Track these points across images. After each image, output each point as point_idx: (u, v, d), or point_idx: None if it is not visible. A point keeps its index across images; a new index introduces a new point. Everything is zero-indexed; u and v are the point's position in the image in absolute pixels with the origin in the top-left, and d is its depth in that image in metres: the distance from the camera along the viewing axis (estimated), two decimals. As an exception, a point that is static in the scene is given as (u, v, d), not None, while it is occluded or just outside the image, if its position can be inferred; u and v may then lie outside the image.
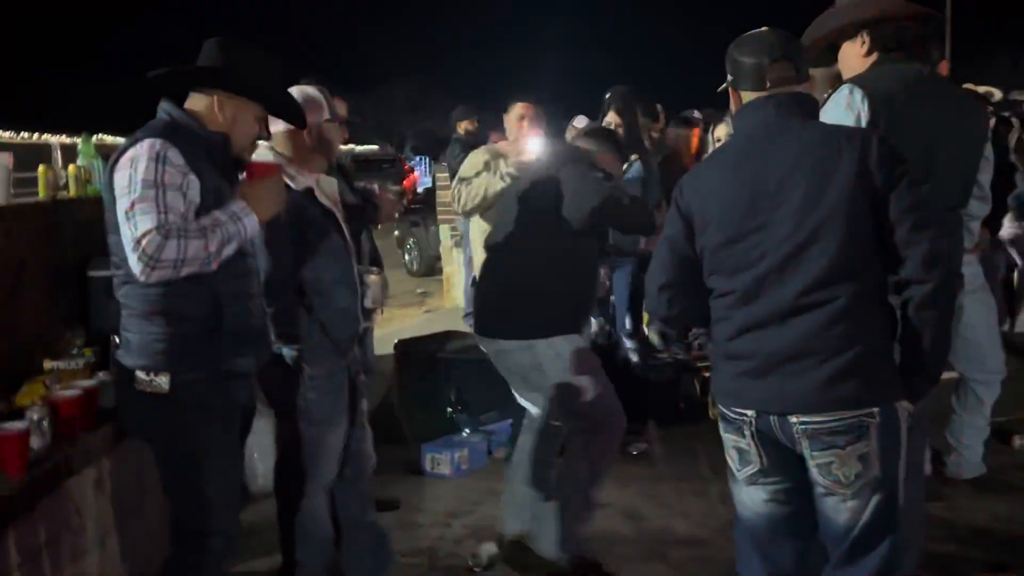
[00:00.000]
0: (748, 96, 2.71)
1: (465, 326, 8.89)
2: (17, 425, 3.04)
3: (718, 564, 4.07)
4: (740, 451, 2.69)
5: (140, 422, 3.09)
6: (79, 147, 4.87)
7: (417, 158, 33.15)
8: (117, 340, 3.86)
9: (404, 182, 19.79)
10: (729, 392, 2.69)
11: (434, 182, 11.74)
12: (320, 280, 3.51)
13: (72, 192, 4.66)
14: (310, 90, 3.69)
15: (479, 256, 5.26)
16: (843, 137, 2.58)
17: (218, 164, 3.04)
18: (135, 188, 2.82)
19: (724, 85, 2.80)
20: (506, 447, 5.40)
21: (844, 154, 2.52)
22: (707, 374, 6.47)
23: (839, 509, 2.59)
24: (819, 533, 2.68)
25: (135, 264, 2.79)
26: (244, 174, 3.13)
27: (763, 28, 2.77)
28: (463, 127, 9.09)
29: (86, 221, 4.69)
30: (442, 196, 9.94)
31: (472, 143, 9.17)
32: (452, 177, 9.29)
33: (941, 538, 4.01)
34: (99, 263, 4.54)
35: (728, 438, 2.72)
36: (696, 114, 7.13)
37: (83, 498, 3.40)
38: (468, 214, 5.41)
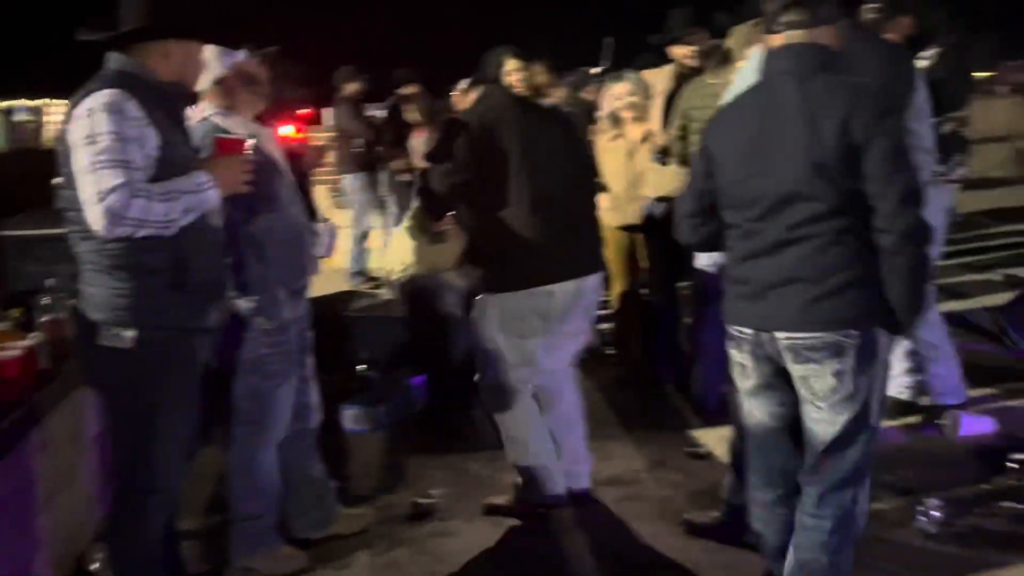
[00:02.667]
0: (774, 40, 2.92)
1: (351, 285, 8.90)
2: (-26, 385, 2.95)
3: (650, 500, 4.29)
4: (742, 366, 3.02)
5: (100, 376, 3.03)
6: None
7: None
8: (45, 300, 3.79)
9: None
10: (732, 312, 3.02)
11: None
12: (271, 230, 3.49)
13: (-23, 148, 4.47)
14: None
15: None
16: (841, 92, 2.77)
17: (172, 114, 3.01)
18: (95, 140, 2.76)
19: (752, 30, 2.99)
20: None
21: (835, 109, 2.73)
22: (605, 325, 6.67)
23: (815, 419, 2.91)
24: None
25: (96, 219, 2.73)
26: (213, 149, 3.11)
27: None
28: (350, 88, 9.03)
29: (-8, 179, 4.51)
30: (320, 157, 9.82)
31: (358, 101, 9.18)
32: (338, 136, 9.25)
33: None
34: (9, 223, 4.40)
35: (732, 354, 3.05)
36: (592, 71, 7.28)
37: (33, 460, 3.30)
38: None
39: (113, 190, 2.71)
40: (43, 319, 3.73)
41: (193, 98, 3.26)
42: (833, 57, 2.88)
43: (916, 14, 4.64)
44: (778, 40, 2.91)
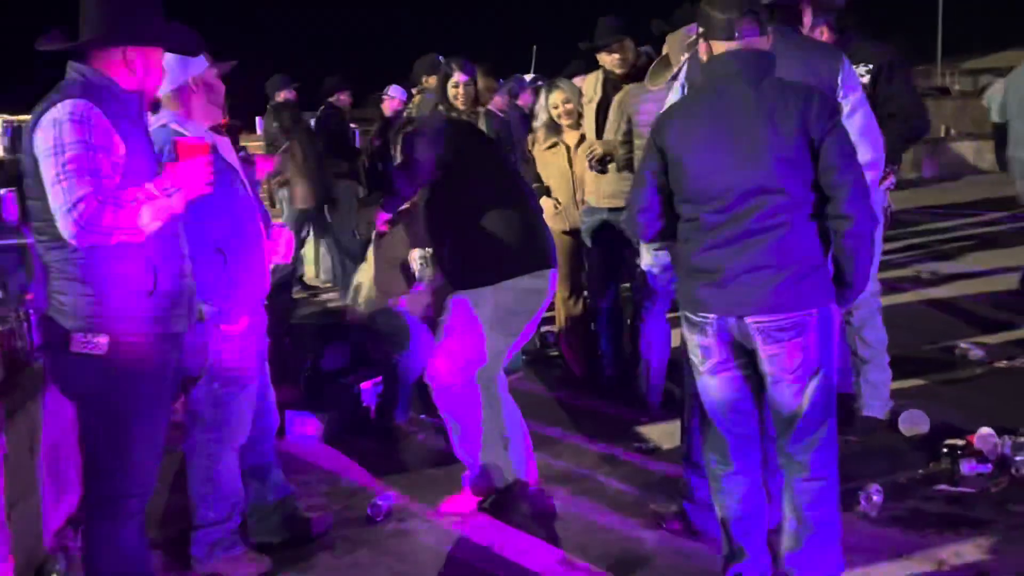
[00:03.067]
0: (719, 46, 3.12)
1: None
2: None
3: (603, 494, 4.41)
4: (704, 347, 3.23)
5: (73, 384, 3.03)
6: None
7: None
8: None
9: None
10: (695, 300, 3.20)
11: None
12: (232, 235, 3.52)
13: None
14: None
15: None
16: (792, 94, 3.06)
17: (135, 122, 3.03)
18: (63, 150, 2.78)
19: (696, 37, 3.23)
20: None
21: (792, 109, 3.02)
22: (546, 328, 6.77)
23: (785, 393, 3.16)
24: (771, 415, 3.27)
25: (67, 227, 2.76)
26: (170, 153, 3.14)
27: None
28: (282, 96, 9.02)
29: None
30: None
31: (291, 108, 9.16)
32: (268, 145, 9.21)
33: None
34: (-47, 234, 4.35)
35: (693, 338, 3.26)
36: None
37: (-7, 472, 3.28)
38: None
39: (83, 199, 2.73)
40: (-5, 330, 3.71)
41: (155, 106, 3.28)
42: (773, 61, 3.13)
43: (833, 24, 4.78)
44: (722, 46, 3.12)
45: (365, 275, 5.78)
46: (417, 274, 5.50)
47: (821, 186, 3.04)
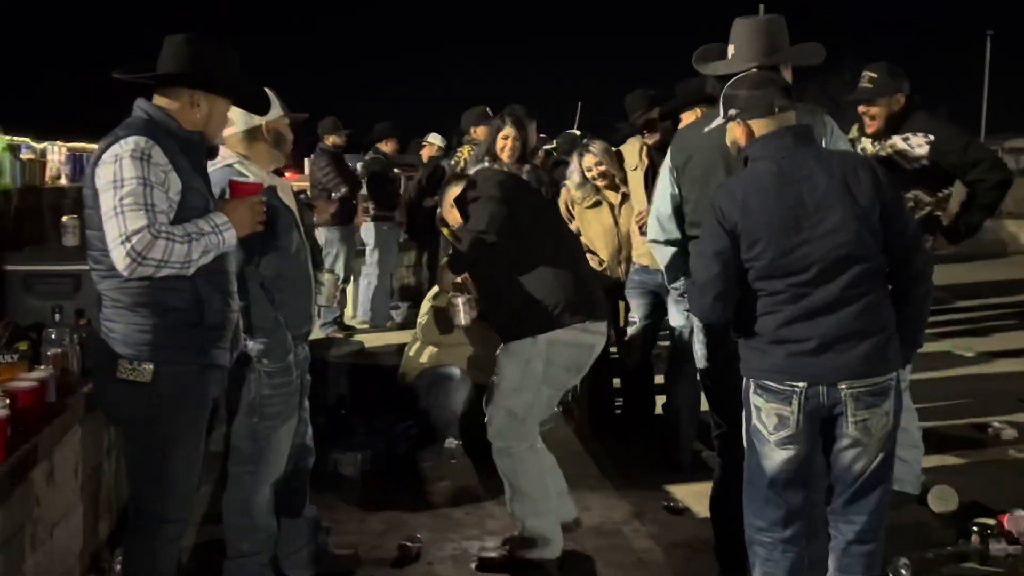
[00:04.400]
0: (759, 125, 3.22)
1: (323, 333, 8.99)
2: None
3: (630, 551, 4.44)
4: (781, 417, 3.20)
5: (118, 409, 3.15)
6: (-11, 140, 4.75)
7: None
8: (52, 334, 3.87)
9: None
10: (781, 369, 3.19)
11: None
12: (282, 276, 3.62)
13: (-16, 184, 4.55)
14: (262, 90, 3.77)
15: None
16: (857, 164, 3.21)
17: (194, 162, 3.17)
18: (121, 184, 2.93)
19: (723, 120, 3.33)
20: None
21: (862, 178, 3.16)
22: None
23: (857, 458, 3.21)
24: (831, 479, 3.31)
25: (120, 259, 2.90)
26: (227, 192, 3.29)
27: (752, 68, 3.46)
28: (331, 140, 9.19)
29: (-1, 214, 4.59)
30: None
31: (338, 154, 9.35)
32: (314, 187, 9.38)
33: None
34: (14, 258, 4.48)
35: (770, 407, 3.21)
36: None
37: (41, 488, 3.37)
38: None
39: (137, 232, 2.88)
40: (49, 352, 3.81)
41: (213, 150, 3.42)
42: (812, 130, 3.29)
43: (913, 97, 4.83)
44: (763, 124, 3.22)
45: (416, 345, 5.88)
46: (458, 318, 5.57)
47: (892, 249, 3.17)
